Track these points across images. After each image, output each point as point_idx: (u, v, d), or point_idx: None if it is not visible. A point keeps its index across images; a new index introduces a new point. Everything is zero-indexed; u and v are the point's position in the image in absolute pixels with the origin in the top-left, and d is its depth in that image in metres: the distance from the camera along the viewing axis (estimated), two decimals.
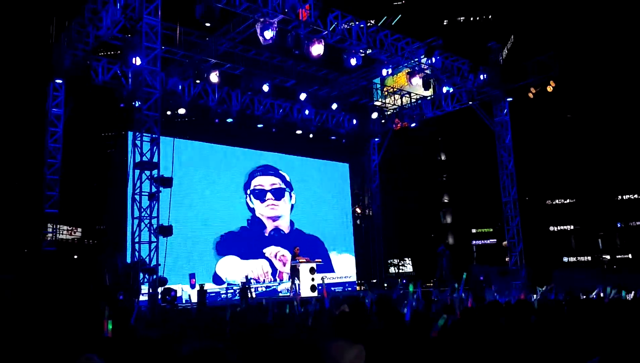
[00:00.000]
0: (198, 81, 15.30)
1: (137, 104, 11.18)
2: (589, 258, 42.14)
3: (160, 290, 11.01)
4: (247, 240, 17.10)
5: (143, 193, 10.84)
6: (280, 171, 18.48)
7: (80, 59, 13.47)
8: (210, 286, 15.15)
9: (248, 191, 17.57)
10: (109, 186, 16.30)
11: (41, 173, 13.78)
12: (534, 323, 4.95)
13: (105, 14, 12.07)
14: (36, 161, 14.43)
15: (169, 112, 14.88)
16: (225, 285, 16.24)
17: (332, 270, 19.08)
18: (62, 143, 13.95)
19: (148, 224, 10.78)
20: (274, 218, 17.91)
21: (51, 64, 13.72)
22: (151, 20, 11.01)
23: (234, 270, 16.53)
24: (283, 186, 18.40)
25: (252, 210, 17.55)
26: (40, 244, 13.45)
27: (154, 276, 10.64)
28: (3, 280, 11.91)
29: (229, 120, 16.45)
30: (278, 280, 17.43)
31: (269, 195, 17.91)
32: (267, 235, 17.62)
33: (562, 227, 45.67)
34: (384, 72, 15.75)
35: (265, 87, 15.71)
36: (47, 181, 13.67)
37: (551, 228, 45.63)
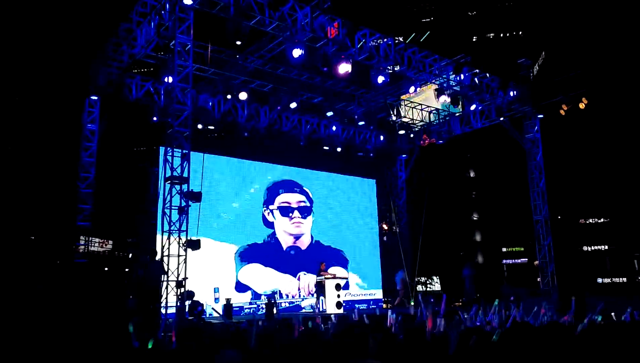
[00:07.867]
0: (229, 97, 15.53)
1: (169, 120, 11.42)
2: (625, 279, 40.75)
3: (187, 303, 11.12)
4: (271, 252, 17.06)
5: (173, 207, 11.02)
6: (304, 188, 18.40)
7: (114, 76, 13.91)
8: (234, 297, 15.09)
9: (271, 207, 17.44)
10: (140, 200, 16.59)
11: (75, 187, 14.16)
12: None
13: (139, 33, 12.48)
14: (70, 175, 14.82)
15: (200, 126, 15.11)
16: (249, 293, 16.17)
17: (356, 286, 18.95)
18: (96, 157, 14.35)
19: (177, 238, 10.93)
20: (297, 236, 17.79)
21: (87, 82, 14.18)
22: (183, 39, 11.30)
23: (258, 278, 16.44)
24: (308, 204, 18.33)
25: (271, 225, 17.40)
26: (73, 256, 13.76)
27: (182, 290, 10.77)
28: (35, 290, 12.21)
29: (257, 135, 16.63)
30: (302, 295, 17.32)
31: (295, 213, 17.88)
32: (284, 250, 17.52)
33: (596, 247, 44.38)
34: (412, 89, 15.75)
35: (293, 104, 15.91)
36: (81, 194, 14.05)
37: (585, 248, 44.38)
